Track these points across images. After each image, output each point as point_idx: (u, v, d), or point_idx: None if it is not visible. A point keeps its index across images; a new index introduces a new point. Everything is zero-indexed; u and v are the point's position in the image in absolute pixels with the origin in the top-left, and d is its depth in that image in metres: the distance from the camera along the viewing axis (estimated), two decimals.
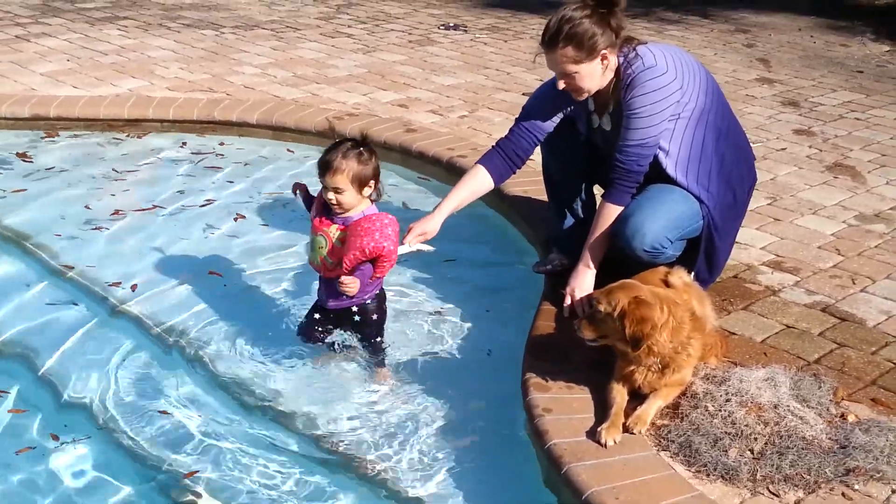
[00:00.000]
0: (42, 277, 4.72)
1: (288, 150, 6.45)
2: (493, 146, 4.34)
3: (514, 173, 4.34)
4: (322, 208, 3.83)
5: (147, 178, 5.94)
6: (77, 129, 6.60)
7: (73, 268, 4.76)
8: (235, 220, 5.36)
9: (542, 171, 4.56)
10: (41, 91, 7.08)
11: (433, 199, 5.01)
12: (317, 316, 4.01)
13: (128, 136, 6.60)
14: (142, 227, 5.27)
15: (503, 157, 4.28)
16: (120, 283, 4.63)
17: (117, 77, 7.55)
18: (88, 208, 5.45)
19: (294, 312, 4.37)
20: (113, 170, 6.03)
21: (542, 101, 4.23)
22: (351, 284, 3.74)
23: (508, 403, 3.69)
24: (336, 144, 3.78)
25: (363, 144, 3.77)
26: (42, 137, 6.49)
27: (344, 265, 3.67)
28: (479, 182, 4.28)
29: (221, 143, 6.52)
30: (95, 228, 5.20)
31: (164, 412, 3.74)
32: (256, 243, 5.13)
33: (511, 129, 4.32)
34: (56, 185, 5.77)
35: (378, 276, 3.75)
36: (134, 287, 4.60)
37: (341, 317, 3.96)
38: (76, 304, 4.49)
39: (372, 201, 3.81)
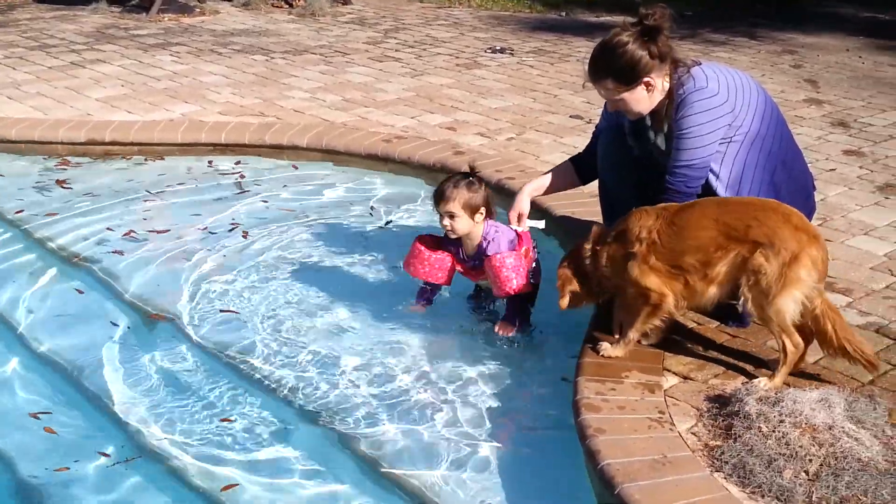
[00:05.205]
0: (73, 297, 4.85)
1: (293, 166, 6.61)
2: (584, 148, 4.65)
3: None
4: (445, 246, 4.41)
5: (167, 203, 6.02)
6: (114, 154, 6.75)
7: (123, 292, 4.87)
8: (241, 233, 5.45)
9: (598, 185, 4.58)
10: (96, 116, 7.23)
11: None
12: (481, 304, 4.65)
13: (145, 159, 6.72)
14: (160, 248, 5.33)
15: (589, 158, 4.53)
16: (160, 312, 4.67)
17: (170, 102, 7.70)
18: (133, 233, 5.54)
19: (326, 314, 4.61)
20: (146, 191, 6.15)
21: (608, 112, 4.36)
22: (506, 329, 4.30)
23: (560, 424, 3.71)
24: (448, 177, 4.34)
25: (472, 175, 4.29)
26: (55, 165, 6.60)
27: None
28: (563, 171, 4.63)
29: (238, 163, 6.66)
30: (116, 252, 5.26)
31: (228, 420, 3.83)
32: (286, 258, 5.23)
33: (592, 136, 4.59)
34: (88, 210, 5.87)
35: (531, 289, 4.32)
36: (166, 310, 4.68)
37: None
38: (116, 325, 4.58)
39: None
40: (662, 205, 3.88)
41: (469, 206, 4.21)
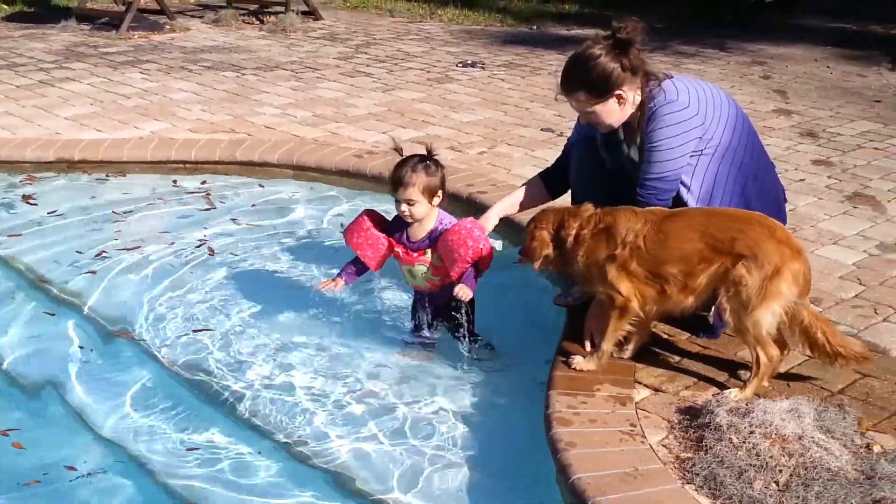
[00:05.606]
0: (41, 317, 4.81)
1: (259, 185, 6.57)
2: (553, 163, 4.62)
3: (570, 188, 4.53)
4: (390, 230, 4.23)
5: (135, 221, 5.97)
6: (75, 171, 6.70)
7: (90, 311, 4.83)
8: (209, 253, 5.42)
9: (570, 198, 4.58)
10: (65, 135, 7.18)
11: None
12: (420, 317, 4.44)
13: (107, 175, 6.66)
14: (130, 268, 5.29)
15: (559, 172, 4.51)
16: (127, 331, 4.64)
17: (140, 120, 7.66)
18: (104, 253, 5.49)
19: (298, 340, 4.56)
20: (113, 212, 6.09)
21: (581, 125, 4.37)
22: (466, 292, 4.04)
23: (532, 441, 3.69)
24: (404, 160, 4.14)
25: (429, 158, 4.13)
26: (21, 181, 6.55)
27: (453, 276, 4.09)
28: (533, 188, 4.55)
29: (204, 182, 6.60)
30: (88, 273, 5.21)
31: (193, 449, 3.78)
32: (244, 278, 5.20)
33: (563, 149, 4.57)
34: (53, 228, 5.83)
35: (482, 272, 4.13)
36: (136, 331, 4.64)
37: (442, 311, 4.34)
38: (82, 345, 4.54)
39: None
40: (651, 208, 3.88)
41: (428, 190, 4.07)
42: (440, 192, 4.14)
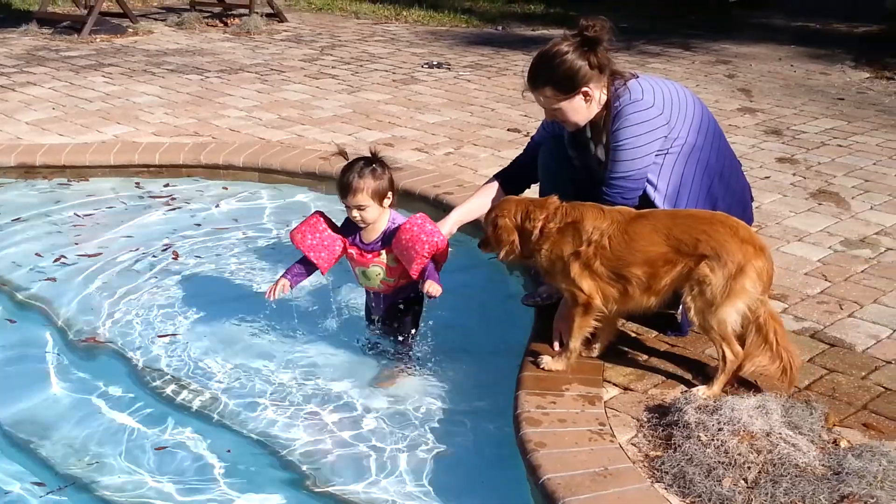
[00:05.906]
0: (4, 325, 4.73)
1: (223, 187, 6.53)
2: (511, 162, 4.55)
3: (529, 188, 4.47)
4: (343, 233, 4.16)
5: (97, 225, 5.91)
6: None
7: (55, 318, 4.76)
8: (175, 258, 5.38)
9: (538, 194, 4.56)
10: (26, 140, 7.09)
11: None
12: (372, 325, 4.42)
13: (68, 180, 6.59)
14: (93, 272, 5.22)
15: (518, 172, 4.47)
16: (93, 336, 4.59)
17: (103, 124, 7.57)
18: (63, 258, 5.43)
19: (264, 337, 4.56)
20: (75, 214, 6.03)
21: (547, 124, 4.36)
22: (436, 287, 3.97)
23: (502, 441, 3.68)
24: (350, 165, 4.05)
25: (375, 160, 4.04)
26: None
27: (413, 274, 4.01)
28: (492, 194, 4.43)
29: (167, 185, 6.54)
30: (48, 279, 5.14)
31: (162, 448, 3.76)
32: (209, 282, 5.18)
33: (525, 148, 4.51)
34: (14, 234, 5.75)
35: (441, 265, 4.09)
36: (97, 336, 4.59)
37: (393, 309, 4.29)
38: (48, 354, 4.48)
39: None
40: (618, 208, 3.86)
41: (377, 193, 4.00)
42: (390, 194, 4.07)
